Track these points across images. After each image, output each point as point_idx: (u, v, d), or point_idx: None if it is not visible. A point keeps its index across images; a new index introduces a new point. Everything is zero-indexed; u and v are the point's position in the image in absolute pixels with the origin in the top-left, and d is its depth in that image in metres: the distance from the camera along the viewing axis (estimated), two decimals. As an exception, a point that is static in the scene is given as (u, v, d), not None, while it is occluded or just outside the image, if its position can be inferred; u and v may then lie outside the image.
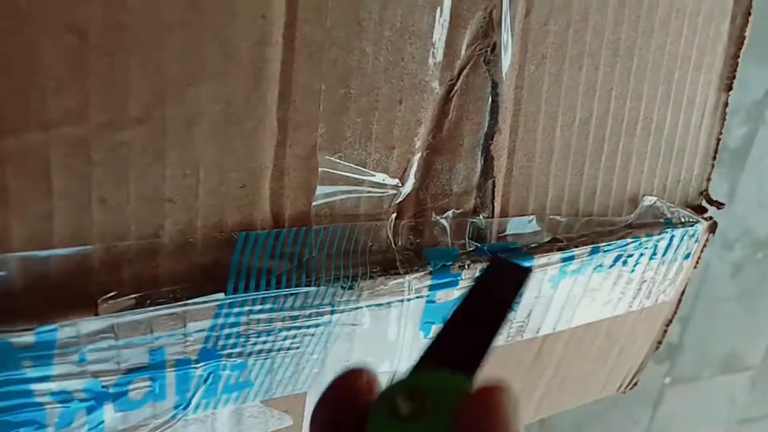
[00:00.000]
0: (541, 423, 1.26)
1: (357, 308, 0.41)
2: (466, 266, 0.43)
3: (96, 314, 0.33)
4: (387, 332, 0.43)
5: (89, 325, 0.33)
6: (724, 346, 1.49)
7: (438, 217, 0.43)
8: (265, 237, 0.37)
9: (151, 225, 0.34)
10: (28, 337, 0.32)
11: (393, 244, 0.42)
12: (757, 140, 1.11)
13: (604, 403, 1.34)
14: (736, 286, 1.35)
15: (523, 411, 0.61)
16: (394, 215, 0.42)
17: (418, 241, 0.43)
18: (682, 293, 0.63)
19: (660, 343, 0.66)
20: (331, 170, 0.38)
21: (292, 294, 0.38)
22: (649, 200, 0.53)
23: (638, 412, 1.47)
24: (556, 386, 0.60)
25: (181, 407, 0.39)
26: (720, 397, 1.58)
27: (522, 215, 0.47)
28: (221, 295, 0.36)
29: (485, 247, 0.45)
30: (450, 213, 0.43)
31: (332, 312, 0.40)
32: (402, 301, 0.42)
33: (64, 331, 0.32)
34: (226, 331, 0.37)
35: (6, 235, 0.31)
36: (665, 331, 0.65)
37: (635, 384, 0.69)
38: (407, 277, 0.41)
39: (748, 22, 0.55)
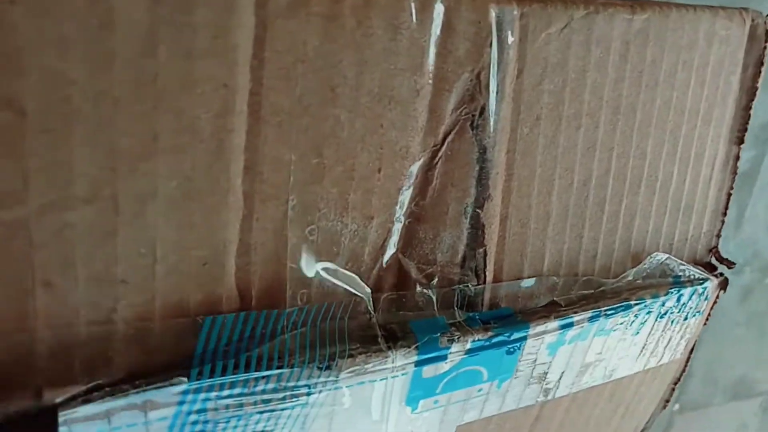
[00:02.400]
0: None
1: (336, 388, 0.37)
2: (455, 339, 0.39)
3: (40, 404, 0.29)
4: (370, 411, 0.39)
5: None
6: (734, 372, 1.43)
7: (422, 288, 0.39)
8: (233, 321, 0.34)
9: (102, 308, 0.31)
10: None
11: (373, 319, 0.38)
12: (765, 163, 1.06)
13: None
14: (745, 311, 1.29)
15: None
16: (374, 288, 0.38)
17: (401, 312, 0.39)
18: (691, 350, 0.59)
19: (668, 401, 0.62)
20: (303, 244, 0.35)
21: (263, 377, 0.34)
22: (659, 257, 0.49)
23: (647, 439, 1.42)
24: (558, 450, 0.56)
25: (144, 495, 0.35)
26: (731, 424, 1.52)
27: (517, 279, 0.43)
28: (184, 381, 0.32)
29: (477, 316, 0.41)
30: (435, 283, 0.40)
31: (308, 394, 0.36)
32: (386, 378, 0.38)
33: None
34: (192, 417, 0.34)
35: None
36: (673, 389, 0.61)
37: (642, 443, 0.65)
38: (390, 354, 0.37)
39: (760, 72, 0.51)
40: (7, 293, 0.28)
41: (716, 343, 1.33)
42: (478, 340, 0.40)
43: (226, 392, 0.34)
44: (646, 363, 0.54)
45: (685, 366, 0.59)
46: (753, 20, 0.48)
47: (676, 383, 0.60)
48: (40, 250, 0.28)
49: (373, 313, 0.38)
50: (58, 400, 0.30)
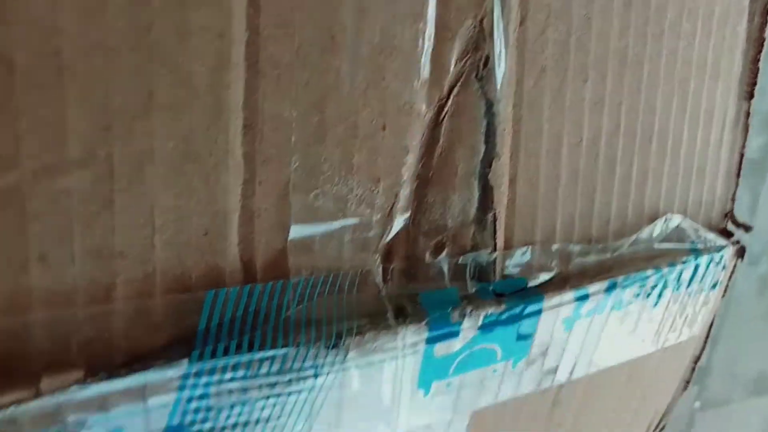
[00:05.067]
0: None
1: (344, 369, 0.38)
2: (468, 313, 0.41)
3: (38, 393, 0.30)
4: (380, 394, 0.41)
5: (30, 407, 0.30)
6: (754, 367, 1.47)
7: (433, 258, 0.41)
8: (236, 294, 0.35)
9: (100, 285, 0.32)
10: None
11: (382, 292, 0.39)
12: (777, 150, 1.09)
13: None
14: (763, 303, 1.32)
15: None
16: (383, 258, 0.39)
17: (410, 284, 0.41)
18: (711, 326, 0.61)
19: (688, 382, 0.64)
20: (308, 209, 0.36)
21: (268, 358, 0.35)
22: (674, 220, 0.51)
23: (670, 439, 1.45)
24: (575, 439, 0.57)
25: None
26: (753, 420, 1.55)
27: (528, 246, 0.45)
28: (185, 363, 0.33)
29: (490, 287, 0.42)
30: (446, 252, 0.41)
31: (315, 376, 0.37)
32: (396, 358, 0.39)
33: (2, 415, 0.29)
34: (194, 404, 0.34)
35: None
36: (693, 369, 0.63)
37: (662, 429, 0.66)
38: (400, 331, 0.39)
39: (766, 21, 0.53)
40: (1, 269, 0.29)
41: (735, 338, 1.36)
42: (492, 314, 0.42)
43: (229, 375, 0.35)
44: (665, 340, 0.56)
45: (705, 343, 0.62)
46: (759, -37, 0.51)
47: (696, 362, 0.62)
48: (34, 221, 0.29)
49: (381, 285, 0.39)
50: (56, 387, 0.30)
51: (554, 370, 0.49)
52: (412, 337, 0.39)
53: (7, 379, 0.30)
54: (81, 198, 0.30)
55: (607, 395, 0.56)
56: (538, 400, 0.51)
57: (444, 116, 0.39)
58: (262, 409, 0.37)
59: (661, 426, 0.66)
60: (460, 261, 0.42)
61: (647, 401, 0.61)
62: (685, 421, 1.44)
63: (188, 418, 0.35)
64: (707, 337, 0.62)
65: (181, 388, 0.34)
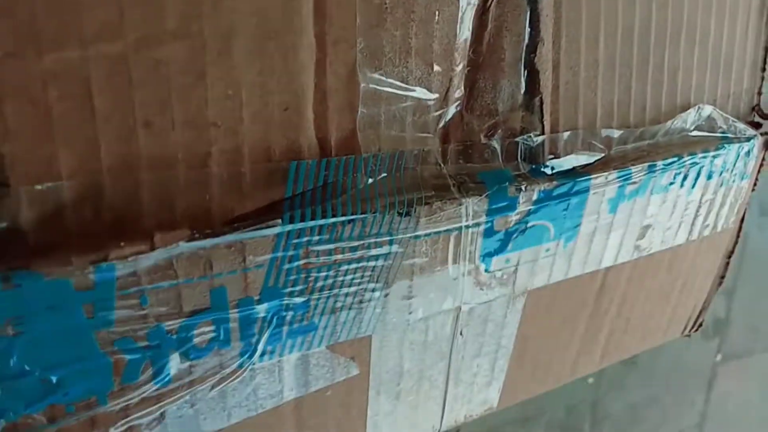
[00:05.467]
0: (594, 408, 1.26)
1: (415, 237, 0.41)
2: (523, 188, 0.44)
3: (153, 246, 0.33)
4: (446, 265, 0.44)
5: (148, 260, 0.33)
6: (775, 318, 1.49)
7: (487, 140, 0.44)
8: (315, 165, 0.38)
9: (198, 152, 0.35)
10: (89, 276, 0.32)
11: (443, 169, 0.42)
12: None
13: (658, 387, 1.34)
14: (778, 254, 1.35)
15: (589, 359, 0.61)
16: (441, 139, 0.42)
17: (468, 164, 0.44)
18: (742, 221, 0.63)
19: (723, 278, 0.67)
20: (373, 90, 0.39)
21: (349, 222, 0.38)
22: (706, 110, 0.54)
23: (692, 393, 1.47)
24: (620, 327, 0.60)
25: (247, 355, 0.39)
26: (776, 370, 1.57)
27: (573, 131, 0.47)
28: (278, 224, 0.36)
29: (540, 168, 0.45)
30: (499, 134, 0.44)
31: (391, 242, 0.40)
32: (460, 229, 0.42)
33: (124, 266, 0.33)
34: (287, 266, 0.38)
35: (54, 163, 0.31)
36: (727, 264, 0.66)
37: (700, 325, 0.69)
38: (464, 201, 0.41)
39: None
40: (113, 132, 0.32)
41: (753, 290, 1.38)
42: (544, 190, 0.45)
43: (316, 237, 0.38)
44: (700, 231, 0.59)
45: (737, 238, 0.64)
46: None
47: (729, 257, 0.65)
48: (139, 89, 0.32)
49: (441, 164, 0.42)
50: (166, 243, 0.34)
51: (601, 254, 0.52)
52: (474, 208, 0.42)
53: (125, 236, 0.33)
54: (178, 69, 0.33)
55: (649, 285, 0.59)
56: (587, 284, 0.54)
57: (490, 3, 0.42)
58: (346, 273, 0.40)
59: (698, 323, 0.69)
60: (511, 143, 0.45)
61: (685, 294, 0.64)
62: (707, 374, 1.46)
63: (282, 280, 0.38)
64: (739, 231, 0.64)
65: (276, 248, 0.37)
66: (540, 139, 0.45)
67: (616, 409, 1.33)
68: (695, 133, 0.54)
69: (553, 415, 1.23)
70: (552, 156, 0.46)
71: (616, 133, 0.49)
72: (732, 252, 0.65)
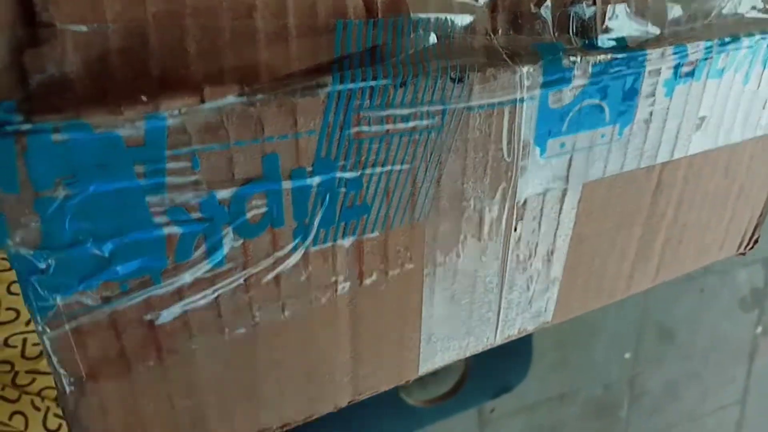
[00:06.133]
0: (631, 384, 1.24)
1: (468, 109, 0.39)
2: (578, 60, 0.42)
3: (203, 99, 0.31)
4: (501, 144, 0.42)
5: (198, 115, 0.31)
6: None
7: (537, 9, 0.42)
8: (363, 26, 0.36)
9: (243, 2, 0.33)
10: (139, 129, 0.30)
11: (494, 40, 0.40)
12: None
13: (697, 362, 1.31)
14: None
15: (644, 272, 0.59)
16: (490, 9, 0.40)
17: (519, 36, 0.42)
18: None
19: (779, 185, 0.64)
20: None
21: (401, 85, 0.36)
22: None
23: (733, 368, 1.45)
24: (677, 236, 0.58)
25: (301, 236, 0.37)
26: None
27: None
28: (329, 81, 0.34)
29: (594, 42, 0.43)
30: (549, 2, 0.42)
31: (443, 113, 0.38)
32: (515, 102, 0.40)
33: (174, 120, 0.31)
34: (338, 133, 0.36)
35: (98, 4, 0.29)
36: (785, 172, 0.63)
37: (756, 241, 0.67)
38: (518, 69, 0.39)
39: None
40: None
41: None
42: (600, 62, 0.43)
43: (367, 102, 0.36)
44: (756, 128, 0.56)
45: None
46: None
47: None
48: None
49: (492, 34, 0.40)
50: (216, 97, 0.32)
51: (657, 145, 0.50)
52: (529, 78, 0.40)
53: (173, 89, 0.31)
54: None
55: (705, 186, 0.57)
56: (643, 182, 0.52)
57: None
58: (398, 147, 0.38)
59: (754, 239, 0.67)
60: (563, 13, 0.43)
61: (742, 202, 0.62)
62: (748, 347, 1.43)
63: (334, 150, 0.36)
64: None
65: (326, 111, 0.35)
66: (591, 10, 0.43)
67: (655, 385, 1.31)
68: (752, 14, 0.51)
69: (590, 392, 1.21)
70: (605, 29, 0.44)
71: (670, 9, 0.47)
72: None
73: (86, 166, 0.30)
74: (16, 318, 0.51)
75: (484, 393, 0.89)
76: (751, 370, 1.49)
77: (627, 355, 1.21)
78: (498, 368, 0.85)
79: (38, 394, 0.52)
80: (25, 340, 0.51)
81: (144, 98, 0.30)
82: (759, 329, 1.46)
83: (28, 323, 0.51)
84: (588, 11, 0.43)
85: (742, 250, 0.67)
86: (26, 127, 0.28)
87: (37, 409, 0.52)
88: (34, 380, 0.52)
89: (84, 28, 0.29)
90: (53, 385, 0.48)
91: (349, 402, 0.47)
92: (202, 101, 0.31)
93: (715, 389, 1.44)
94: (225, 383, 0.40)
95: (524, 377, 0.91)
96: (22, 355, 0.52)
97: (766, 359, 1.49)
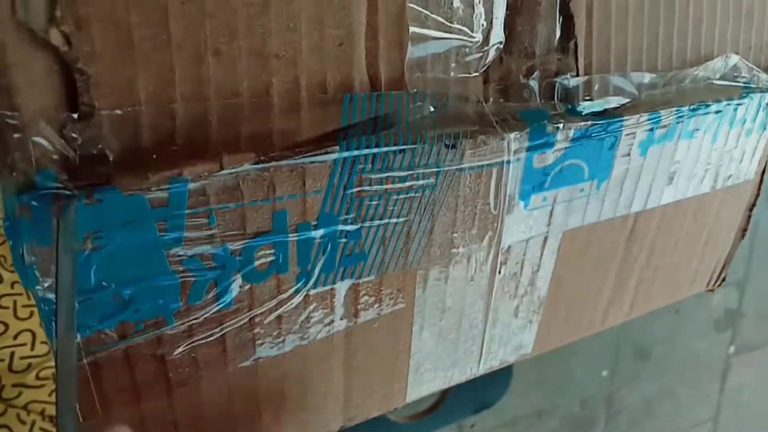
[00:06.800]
0: (608, 401, 1.27)
1: (460, 170, 0.43)
2: (561, 126, 0.45)
3: (222, 166, 0.35)
4: (488, 200, 0.46)
5: (217, 180, 0.35)
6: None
7: (525, 80, 0.46)
8: (367, 99, 0.40)
9: (261, 81, 0.36)
10: (163, 192, 0.34)
11: (486, 107, 0.44)
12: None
13: (672, 380, 1.35)
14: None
15: (618, 308, 0.63)
16: (482, 79, 0.44)
17: (508, 104, 0.45)
18: (763, 173, 0.65)
19: (745, 231, 0.68)
20: (420, 29, 0.41)
21: (400, 151, 0.40)
22: (732, 59, 0.55)
23: (707, 385, 1.48)
24: (649, 277, 0.62)
25: (303, 281, 0.41)
26: (788, 361, 1.58)
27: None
28: (336, 150, 0.38)
29: (576, 108, 0.47)
30: (536, 74, 0.46)
31: (437, 174, 0.42)
32: (502, 163, 0.44)
33: (195, 184, 0.34)
34: (342, 193, 0.39)
35: (134, 88, 0.33)
36: (749, 217, 0.67)
37: (723, 279, 0.71)
38: (506, 135, 0.43)
39: None
40: (186, 59, 0.34)
41: (764, 280, 1.39)
42: (581, 128, 0.47)
43: (369, 166, 0.40)
44: (724, 180, 0.61)
45: (758, 190, 0.66)
46: None
47: (751, 209, 0.67)
48: (210, 18, 0.34)
49: (483, 102, 0.44)
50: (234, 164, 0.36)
51: (631, 197, 0.54)
52: (516, 144, 0.44)
53: (196, 157, 0.35)
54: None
55: (676, 233, 0.61)
56: (618, 229, 0.56)
57: (527, -53, 0.44)
58: (395, 203, 0.42)
59: (722, 276, 0.71)
60: (548, 83, 0.46)
61: (710, 245, 0.66)
62: (721, 366, 1.47)
63: (337, 206, 0.40)
64: (760, 183, 0.66)
65: (332, 174, 0.39)
66: (575, 80, 0.47)
67: (631, 402, 1.35)
68: (720, 82, 0.56)
69: (568, 408, 1.25)
70: (587, 97, 0.48)
71: (647, 77, 0.51)
72: (754, 204, 0.67)
73: (114, 223, 0.34)
74: (5, 332, 0.51)
75: (464, 409, 0.92)
76: (724, 387, 1.52)
77: (604, 373, 1.25)
78: (478, 385, 0.88)
79: (24, 407, 0.53)
80: (12, 354, 0.52)
81: (169, 166, 0.34)
82: (732, 349, 1.49)
83: (16, 337, 0.52)
84: (572, 81, 0.47)
85: (710, 287, 0.71)
86: (62, 192, 0.32)
87: (23, 422, 0.52)
88: (20, 394, 0.53)
89: (119, 112, 0.33)
90: (39, 398, 0.52)
91: (340, 428, 0.51)
92: (221, 168, 0.35)
93: (689, 406, 1.48)
94: (227, 412, 0.44)
95: (504, 394, 0.94)
96: (9, 369, 0.52)
97: (739, 377, 1.52)
